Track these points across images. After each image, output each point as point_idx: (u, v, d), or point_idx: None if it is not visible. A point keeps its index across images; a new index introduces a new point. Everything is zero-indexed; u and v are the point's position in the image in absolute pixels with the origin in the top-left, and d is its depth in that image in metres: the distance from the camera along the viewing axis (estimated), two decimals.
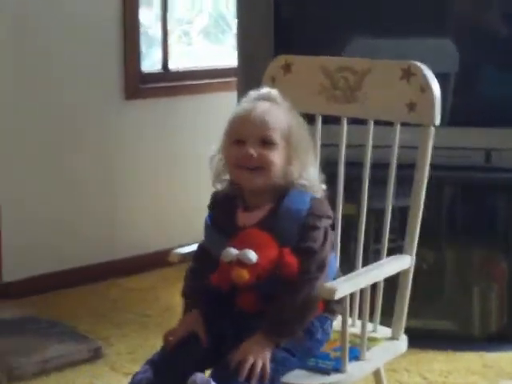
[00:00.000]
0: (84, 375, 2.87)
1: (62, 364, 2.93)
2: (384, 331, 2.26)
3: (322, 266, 1.99)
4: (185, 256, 2.21)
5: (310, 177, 2.05)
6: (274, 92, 2.07)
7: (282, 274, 1.96)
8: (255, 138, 1.99)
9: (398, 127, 2.19)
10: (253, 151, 1.98)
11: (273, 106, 2.03)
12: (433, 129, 2.14)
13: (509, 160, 3.09)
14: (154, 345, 3.03)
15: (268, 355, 1.92)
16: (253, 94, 2.07)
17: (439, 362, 3.01)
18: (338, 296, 1.92)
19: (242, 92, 2.04)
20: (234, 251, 1.96)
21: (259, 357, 1.90)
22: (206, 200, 2.14)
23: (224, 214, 2.08)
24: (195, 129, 3.98)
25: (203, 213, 2.16)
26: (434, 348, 3.10)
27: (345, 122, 2.27)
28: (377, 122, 2.23)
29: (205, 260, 2.09)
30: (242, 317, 2.04)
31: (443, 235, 3.28)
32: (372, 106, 2.21)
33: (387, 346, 2.21)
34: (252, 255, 1.94)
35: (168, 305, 3.47)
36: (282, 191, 2.03)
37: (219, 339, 2.03)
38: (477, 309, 3.23)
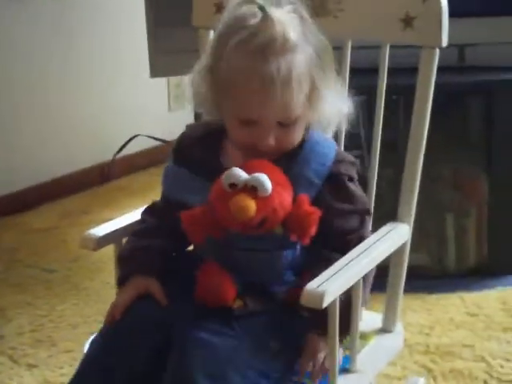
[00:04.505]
0: None
1: None
2: (370, 318, 1.70)
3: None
4: (105, 239, 1.55)
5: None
6: None
7: (295, 228, 1.42)
8: (273, 120, 1.42)
9: (387, 50, 1.58)
10: (272, 140, 1.43)
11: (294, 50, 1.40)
12: (438, 51, 1.53)
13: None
14: (62, 312, 2.44)
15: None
16: None
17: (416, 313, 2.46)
18: (327, 303, 1.34)
19: None
20: (242, 173, 1.39)
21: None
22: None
23: (205, 151, 1.51)
24: None
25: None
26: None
27: None
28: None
29: (160, 216, 1.54)
30: None
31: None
32: (350, 21, 1.58)
33: (380, 344, 1.65)
34: (268, 183, 1.39)
35: (77, 253, 2.82)
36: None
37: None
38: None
